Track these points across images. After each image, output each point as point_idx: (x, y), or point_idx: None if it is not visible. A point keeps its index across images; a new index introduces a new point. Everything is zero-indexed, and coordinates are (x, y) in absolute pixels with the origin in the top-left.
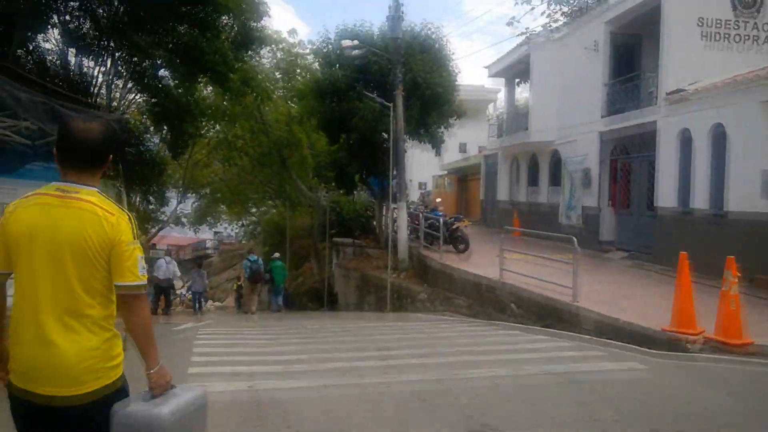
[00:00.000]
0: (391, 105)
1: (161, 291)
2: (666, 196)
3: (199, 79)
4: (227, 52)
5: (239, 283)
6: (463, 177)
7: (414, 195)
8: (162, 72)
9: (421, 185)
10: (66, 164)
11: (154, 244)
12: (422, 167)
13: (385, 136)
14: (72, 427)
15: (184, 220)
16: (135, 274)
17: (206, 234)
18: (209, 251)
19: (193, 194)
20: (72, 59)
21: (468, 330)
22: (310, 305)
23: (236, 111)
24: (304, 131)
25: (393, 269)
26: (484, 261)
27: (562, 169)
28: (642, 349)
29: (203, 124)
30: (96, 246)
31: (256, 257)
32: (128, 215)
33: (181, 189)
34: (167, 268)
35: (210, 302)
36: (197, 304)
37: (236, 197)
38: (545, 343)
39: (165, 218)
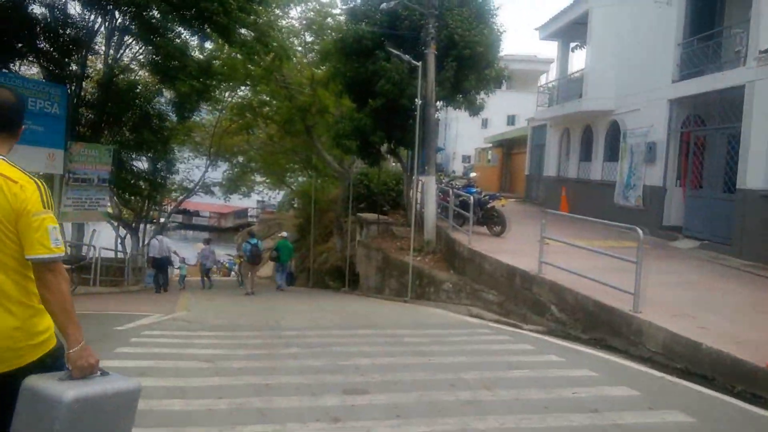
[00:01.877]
0: (420, 64)
1: (159, 267)
2: (754, 175)
3: (201, 30)
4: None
5: (241, 260)
6: (508, 150)
7: (459, 169)
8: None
9: (465, 158)
10: None
11: (187, 210)
12: (467, 139)
13: (418, 102)
14: None
15: (214, 189)
16: (46, 246)
17: (248, 202)
18: (251, 219)
19: (224, 162)
20: (73, 11)
21: (491, 342)
22: (332, 284)
23: (257, 73)
24: (330, 96)
25: (418, 251)
26: (522, 247)
27: (621, 141)
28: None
29: (214, 84)
30: (2, 218)
31: (256, 240)
32: (37, 183)
33: (209, 157)
34: (160, 246)
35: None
36: (204, 280)
37: (270, 167)
38: (594, 385)
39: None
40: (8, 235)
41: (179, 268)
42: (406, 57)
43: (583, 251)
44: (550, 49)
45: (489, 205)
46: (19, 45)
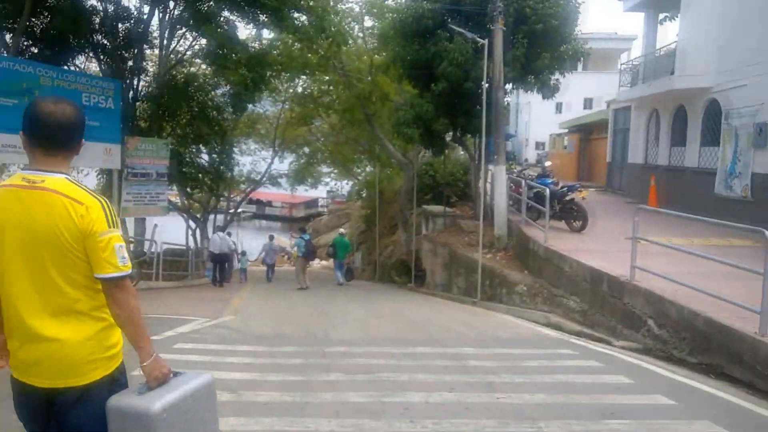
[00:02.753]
0: (485, 42)
1: (218, 263)
2: None
3: (253, 15)
4: None
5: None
6: (585, 136)
7: (532, 157)
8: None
9: (539, 145)
10: (36, 148)
11: (260, 200)
12: (540, 125)
13: (484, 85)
14: (69, 417)
15: (281, 180)
16: (114, 264)
17: (318, 192)
18: (321, 209)
19: (290, 153)
20: (129, 4)
21: (577, 371)
22: (397, 279)
23: (314, 60)
24: (391, 82)
25: (487, 247)
26: (607, 247)
27: (723, 123)
28: None
29: (270, 74)
30: (68, 239)
31: (309, 236)
32: (101, 201)
33: (274, 148)
34: (221, 242)
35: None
36: (270, 274)
37: (335, 157)
38: None
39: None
40: (77, 254)
41: (240, 261)
42: (470, 35)
43: (683, 253)
44: (632, 24)
45: (567, 198)
46: (77, 40)
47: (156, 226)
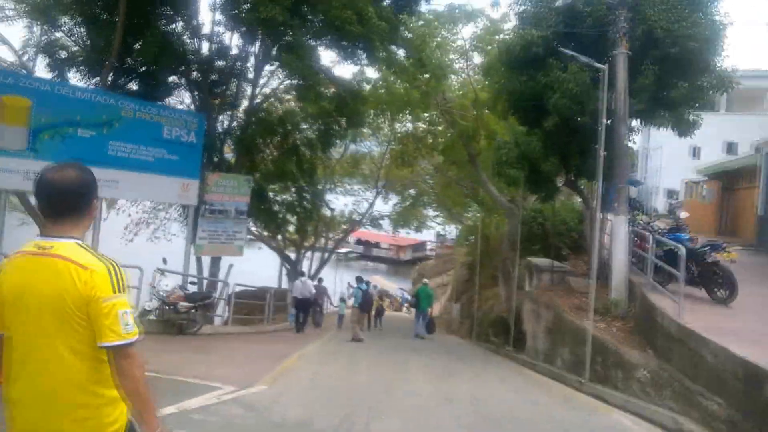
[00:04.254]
0: (605, 68)
1: (301, 308)
2: None
3: (340, 46)
4: (365, 6)
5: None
6: (728, 184)
7: (662, 206)
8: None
9: (670, 194)
10: (45, 215)
11: (368, 241)
12: (672, 171)
13: (603, 121)
14: None
15: (382, 221)
16: (117, 332)
17: (427, 235)
18: (429, 253)
19: (395, 194)
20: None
21: None
22: (494, 340)
23: (414, 97)
24: (497, 120)
25: (601, 314)
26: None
27: None
28: None
29: (363, 110)
30: (71, 305)
31: (366, 285)
32: (108, 266)
33: (377, 188)
34: (303, 287)
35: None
36: (368, 322)
37: (440, 200)
38: None
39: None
40: (80, 322)
41: (338, 306)
42: (585, 59)
43: None
44: None
45: (709, 259)
46: (168, 75)
47: (231, 266)
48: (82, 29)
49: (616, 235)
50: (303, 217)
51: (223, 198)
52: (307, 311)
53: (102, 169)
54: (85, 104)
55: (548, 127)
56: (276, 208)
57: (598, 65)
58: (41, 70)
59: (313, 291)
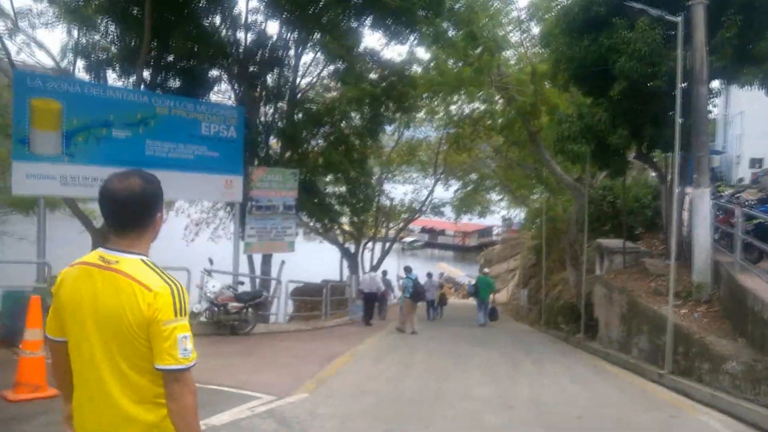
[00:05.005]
0: (679, 20)
1: (368, 301)
2: None
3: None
4: None
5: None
6: None
7: (747, 176)
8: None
9: (754, 162)
10: (109, 227)
11: (433, 229)
12: (757, 137)
13: (679, 83)
14: None
15: (443, 209)
16: (174, 356)
17: (493, 220)
18: (495, 238)
19: (455, 180)
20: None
21: None
22: (563, 327)
23: (466, 74)
24: (558, 93)
25: (682, 298)
26: None
27: None
28: None
29: (412, 91)
30: (133, 325)
31: (416, 275)
32: (173, 288)
33: (435, 176)
34: (370, 281)
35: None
36: (430, 311)
37: (504, 183)
38: None
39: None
40: (141, 341)
41: (400, 299)
42: (657, 12)
43: None
44: None
45: None
46: (205, 68)
47: (283, 263)
48: (116, 28)
49: (697, 209)
50: (356, 209)
51: (270, 193)
52: (372, 305)
53: None
54: (117, 103)
55: (615, 96)
56: (328, 200)
57: (671, 18)
58: (81, 73)
59: (381, 286)
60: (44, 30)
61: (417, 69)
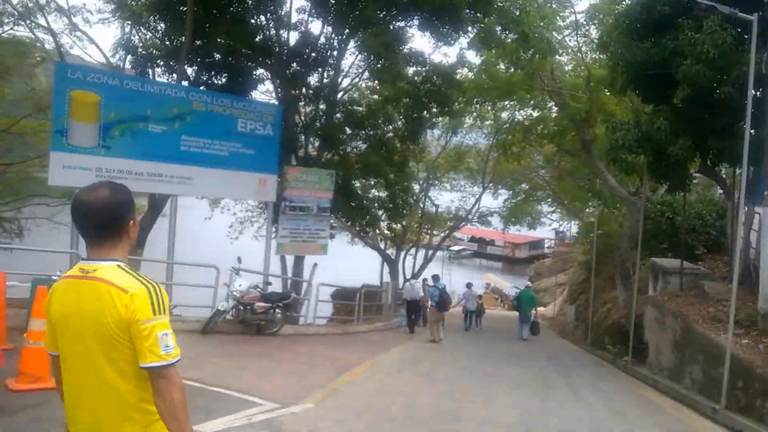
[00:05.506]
0: (754, 19)
1: (411, 308)
2: None
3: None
4: None
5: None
6: None
7: None
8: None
9: None
10: (85, 239)
11: (482, 238)
12: None
13: (751, 91)
14: None
15: (491, 218)
16: (156, 353)
17: (544, 232)
18: (547, 251)
19: (506, 189)
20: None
21: None
22: (610, 349)
23: (518, 77)
24: (616, 101)
25: (744, 326)
26: None
27: None
28: None
29: (454, 95)
30: (113, 328)
31: (443, 284)
32: (150, 288)
33: (483, 183)
34: (411, 289)
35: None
36: (468, 322)
37: (556, 194)
38: None
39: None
40: (124, 343)
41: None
42: (728, 9)
43: None
44: None
45: None
46: (258, 71)
47: (315, 265)
48: (162, 25)
49: (766, 230)
50: (395, 214)
51: (304, 194)
52: (417, 312)
53: (175, 165)
54: (155, 98)
55: (677, 103)
56: (366, 204)
57: (745, 17)
58: (129, 70)
59: (421, 293)
60: (99, 26)
61: (467, 73)
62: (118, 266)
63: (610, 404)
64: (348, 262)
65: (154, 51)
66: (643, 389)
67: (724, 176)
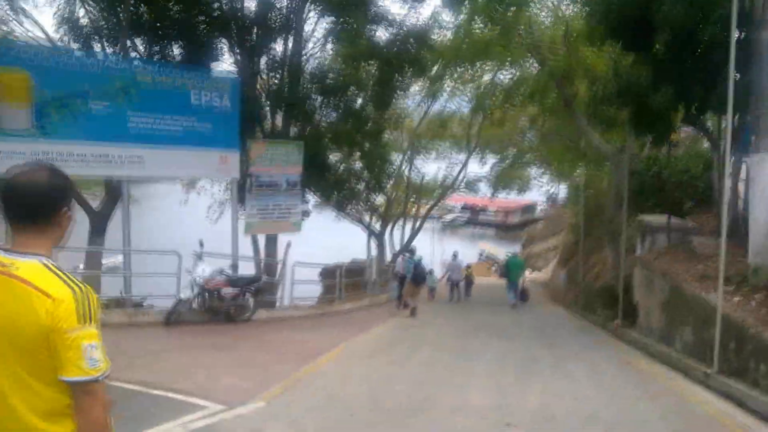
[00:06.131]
0: None
1: (402, 283)
2: None
3: None
4: None
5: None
6: None
7: None
8: None
9: None
10: (9, 223)
11: (474, 206)
12: None
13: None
14: None
15: (480, 184)
16: (80, 367)
17: (536, 195)
18: (539, 216)
19: (493, 155)
20: None
21: None
22: (599, 312)
23: (491, 36)
24: (594, 53)
25: (735, 284)
26: None
27: None
28: None
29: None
30: (32, 335)
31: (419, 257)
32: (76, 292)
33: (469, 150)
34: (405, 264)
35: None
36: (452, 294)
37: (543, 157)
38: None
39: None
40: (42, 351)
41: (428, 280)
42: None
43: None
44: None
45: None
46: (213, 40)
47: (289, 244)
48: None
49: (756, 180)
50: (373, 186)
51: (271, 169)
52: (402, 286)
53: (123, 146)
54: (93, 72)
55: (658, 50)
56: (340, 176)
57: None
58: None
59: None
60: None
61: (445, 35)
62: (42, 263)
63: (597, 378)
64: (337, 238)
65: (101, 24)
66: (634, 357)
67: (709, 126)
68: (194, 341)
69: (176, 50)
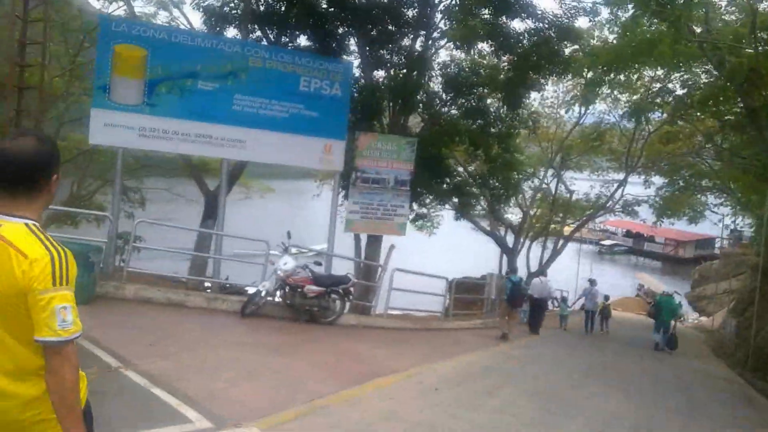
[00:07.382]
0: None
1: (534, 308)
2: None
3: None
4: None
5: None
6: None
7: None
8: None
9: None
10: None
11: (638, 233)
12: None
13: None
14: None
15: (639, 207)
16: (52, 328)
17: (717, 230)
18: (716, 252)
19: (661, 176)
20: None
21: None
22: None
23: (649, 37)
24: None
25: None
26: None
27: None
28: None
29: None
30: (9, 295)
31: (519, 278)
32: (53, 255)
33: (626, 168)
34: (541, 286)
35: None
36: (588, 324)
37: (724, 182)
38: None
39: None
40: (21, 311)
41: (560, 308)
42: None
43: None
44: None
45: None
46: (342, 30)
47: (392, 247)
48: None
49: None
50: (496, 194)
51: (380, 164)
52: (541, 312)
53: (225, 126)
54: (206, 52)
55: None
56: (459, 180)
57: None
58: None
59: (553, 293)
60: None
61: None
62: (27, 225)
63: None
64: (470, 250)
65: (233, 12)
66: None
67: None
68: (255, 337)
69: (303, 40)
